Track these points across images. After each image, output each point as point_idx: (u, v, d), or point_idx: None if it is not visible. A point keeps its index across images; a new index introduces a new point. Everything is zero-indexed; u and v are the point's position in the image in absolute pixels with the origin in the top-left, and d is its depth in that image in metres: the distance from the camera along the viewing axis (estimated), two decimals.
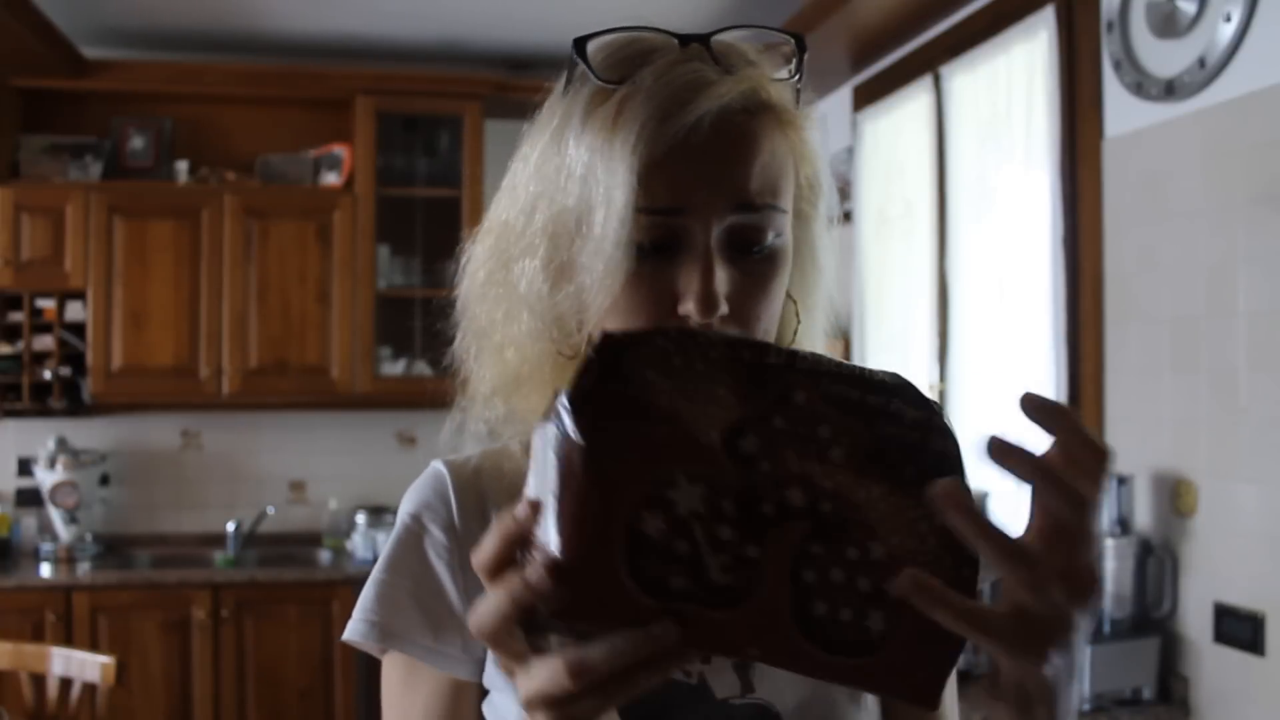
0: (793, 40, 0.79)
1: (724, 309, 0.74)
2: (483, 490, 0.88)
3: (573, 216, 0.76)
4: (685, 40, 0.76)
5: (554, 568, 0.55)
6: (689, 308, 0.74)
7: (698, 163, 0.73)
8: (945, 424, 0.59)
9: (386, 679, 0.87)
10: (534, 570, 0.55)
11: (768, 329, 0.78)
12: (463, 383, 0.87)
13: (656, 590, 0.55)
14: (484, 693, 0.85)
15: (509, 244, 0.82)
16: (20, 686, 2.84)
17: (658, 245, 0.74)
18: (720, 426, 0.57)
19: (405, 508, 0.89)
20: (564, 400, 0.56)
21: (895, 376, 0.60)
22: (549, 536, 0.55)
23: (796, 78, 0.79)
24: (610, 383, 0.57)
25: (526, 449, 0.78)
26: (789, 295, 0.83)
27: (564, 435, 0.56)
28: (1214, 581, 2.34)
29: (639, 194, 0.72)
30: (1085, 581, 0.57)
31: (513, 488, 0.86)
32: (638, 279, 0.75)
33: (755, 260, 0.76)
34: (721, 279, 0.74)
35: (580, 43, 0.76)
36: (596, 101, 0.75)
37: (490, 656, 0.83)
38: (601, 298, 0.75)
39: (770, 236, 0.76)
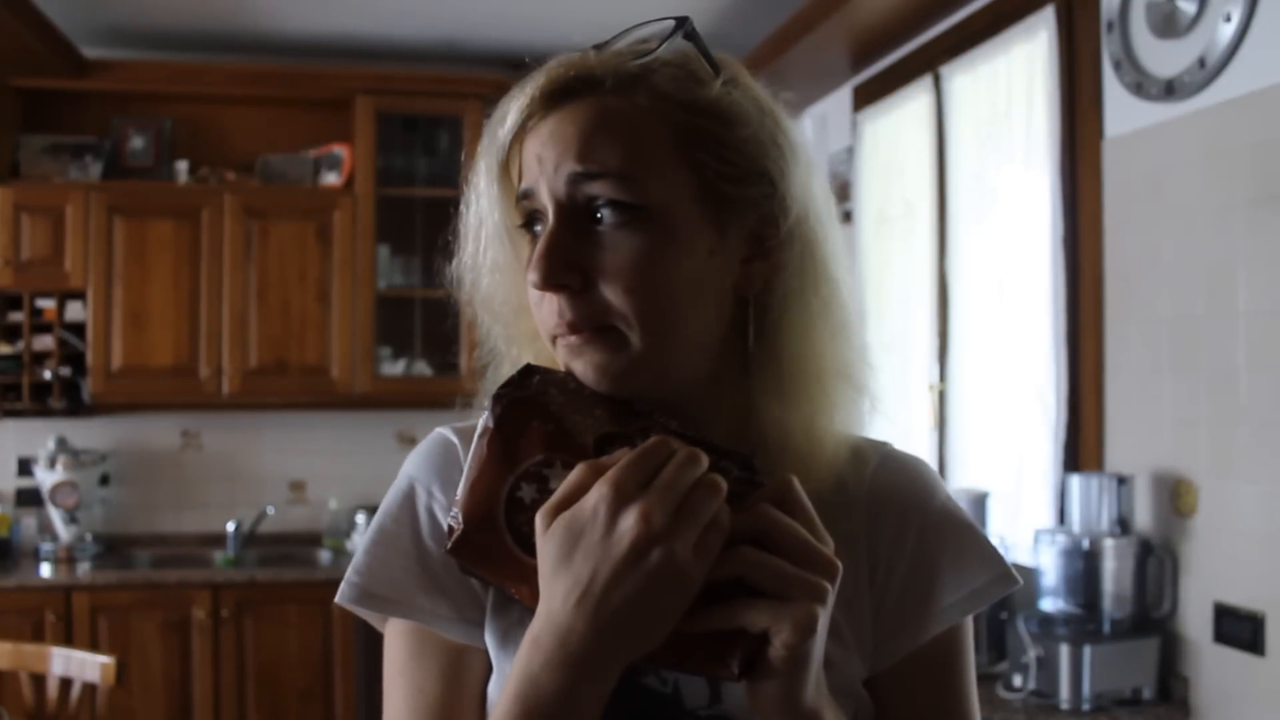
0: (672, 20, 0.81)
1: (568, 279, 0.77)
2: None
3: (475, 217, 0.86)
4: (596, 49, 0.82)
5: (456, 518, 0.75)
6: (531, 278, 0.78)
7: (533, 143, 0.80)
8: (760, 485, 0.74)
9: (392, 647, 0.86)
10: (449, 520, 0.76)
11: (650, 308, 0.77)
12: (483, 368, 0.91)
13: (526, 543, 0.73)
14: (489, 662, 0.84)
15: (465, 254, 0.90)
16: (20, 686, 2.84)
17: (535, 230, 0.81)
18: (594, 434, 0.76)
19: (411, 472, 0.89)
20: (489, 399, 0.78)
21: (740, 447, 0.76)
22: (459, 492, 0.76)
23: (651, 56, 0.80)
24: (522, 391, 0.78)
25: None
26: (759, 289, 0.82)
27: (484, 423, 0.77)
28: (1214, 581, 2.34)
29: (498, 183, 0.82)
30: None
31: None
32: (523, 264, 0.82)
33: (613, 234, 0.77)
34: (567, 249, 0.77)
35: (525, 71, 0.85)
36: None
37: (490, 630, 0.83)
38: (504, 284, 0.85)
39: (620, 207, 0.77)
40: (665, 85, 0.79)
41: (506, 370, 0.87)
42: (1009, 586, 0.88)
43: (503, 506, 0.74)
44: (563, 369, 0.81)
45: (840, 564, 0.71)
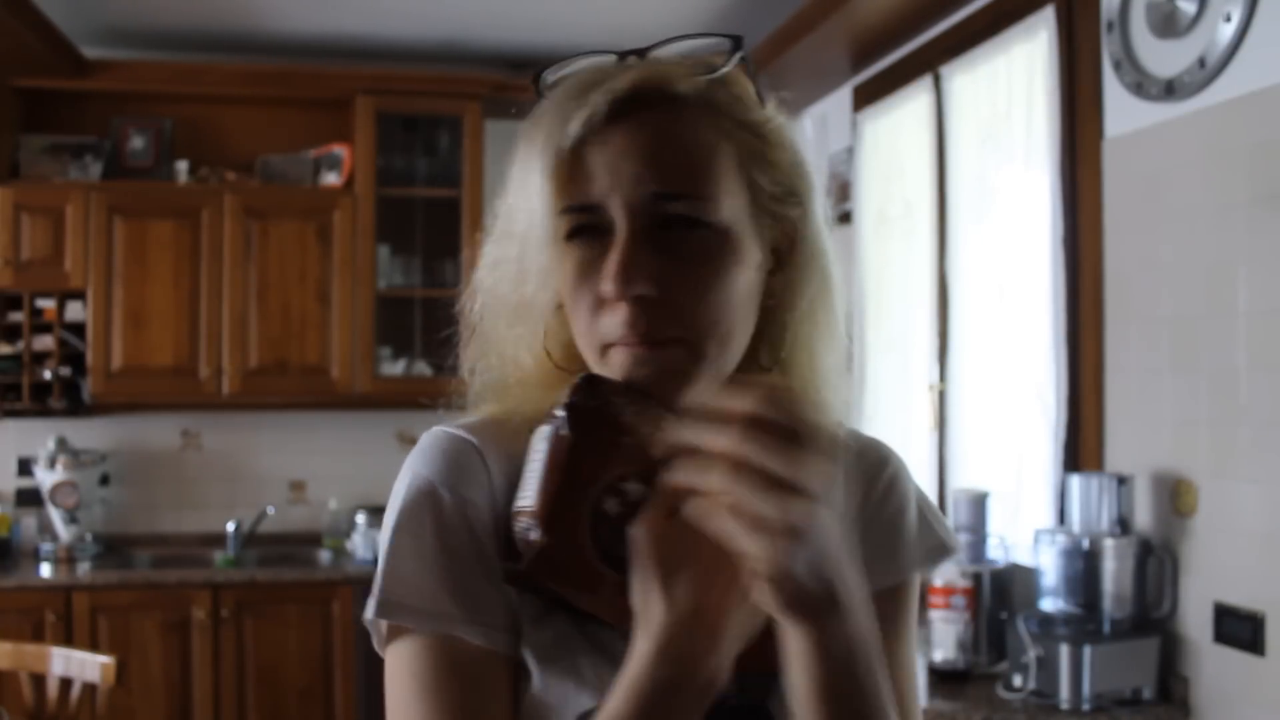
0: (728, 40, 0.82)
1: (647, 289, 0.77)
2: (511, 458, 0.85)
3: (510, 221, 0.83)
4: (624, 56, 0.81)
5: (534, 528, 0.75)
6: (606, 288, 0.77)
7: (603, 154, 0.78)
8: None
9: (414, 663, 0.80)
10: (519, 530, 0.76)
11: (715, 319, 0.79)
12: (459, 380, 0.90)
13: (609, 557, 0.74)
14: (521, 671, 0.82)
15: (482, 257, 0.88)
16: (20, 686, 2.84)
17: (589, 238, 0.79)
18: (660, 451, 0.72)
19: (428, 474, 0.84)
20: (559, 408, 0.77)
21: None
22: (532, 503, 0.76)
23: (722, 70, 0.81)
24: (591, 401, 0.77)
25: (527, 424, 0.84)
26: (781, 303, 0.85)
27: (557, 432, 0.76)
28: (1214, 581, 2.34)
29: (555, 194, 0.78)
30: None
31: (516, 462, 0.85)
32: (577, 272, 0.80)
33: (685, 243, 0.78)
34: (643, 259, 0.77)
35: (538, 75, 0.83)
36: (529, 121, 0.82)
37: (534, 642, 0.81)
38: (539, 290, 0.81)
39: (696, 223, 0.78)
40: (728, 104, 0.82)
41: (511, 374, 0.87)
42: (947, 554, 0.95)
43: (586, 520, 0.75)
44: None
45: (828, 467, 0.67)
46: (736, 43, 0.82)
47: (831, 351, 0.88)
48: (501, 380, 0.88)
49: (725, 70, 0.82)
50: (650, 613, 0.70)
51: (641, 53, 0.81)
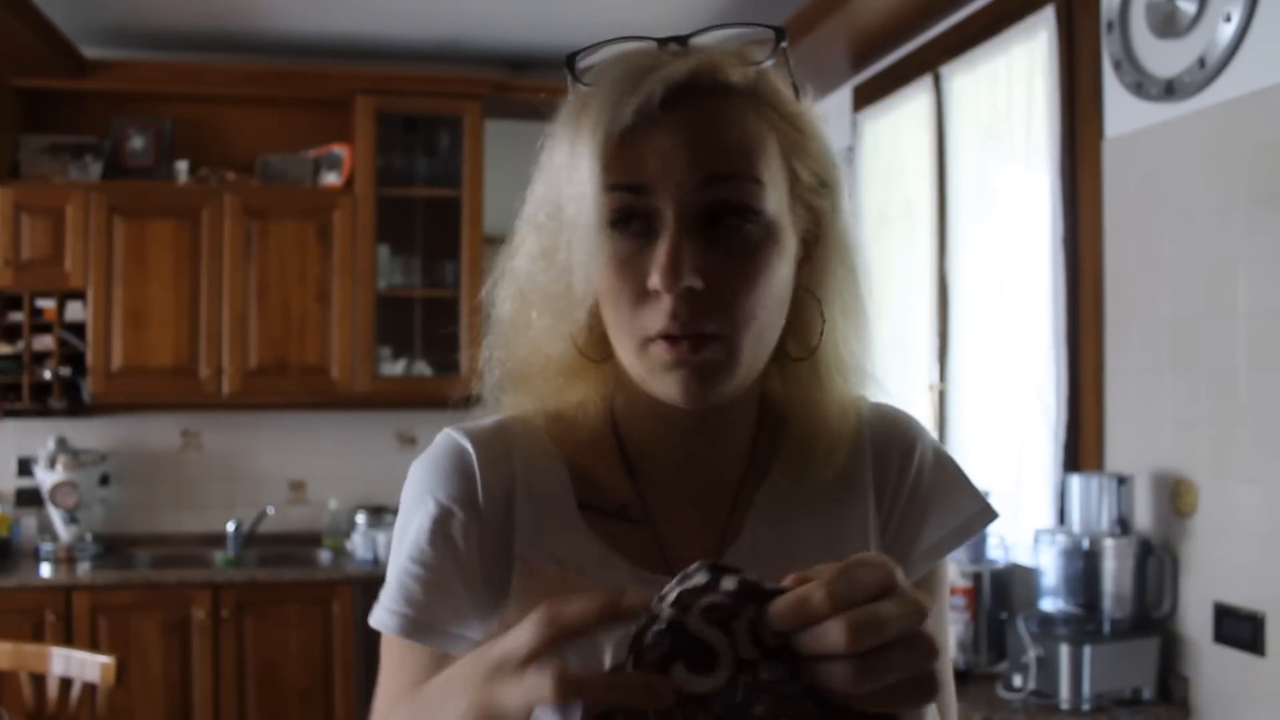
0: (772, 32, 0.82)
1: (694, 282, 0.76)
2: (512, 470, 0.87)
3: (555, 208, 0.81)
4: (664, 42, 0.81)
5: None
6: (655, 280, 0.76)
7: (656, 139, 0.77)
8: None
9: (421, 675, 0.83)
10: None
11: (755, 312, 0.79)
12: (478, 371, 0.89)
13: None
14: None
15: (516, 245, 0.86)
16: (20, 686, 2.83)
17: (634, 228, 0.78)
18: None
19: (429, 486, 0.86)
20: (665, 610, 0.65)
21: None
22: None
23: (768, 62, 0.82)
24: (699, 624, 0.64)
25: (550, 423, 0.85)
26: (811, 292, 0.85)
27: (658, 630, 0.64)
28: (1214, 581, 2.34)
29: (604, 174, 0.76)
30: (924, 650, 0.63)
31: (536, 474, 0.87)
32: (619, 263, 0.79)
33: (732, 238, 0.78)
34: (690, 251, 0.76)
35: (571, 57, 0.82)
36: (573, 105, 0.81)
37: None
38: (586, 283, 0.79)
39: (746, 212, 0.78)
40: (773, 95, 0.82)
41: (534, 363, 0.86)
42: (990, 519, 0.94)
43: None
44: (644, 376, 0.81)
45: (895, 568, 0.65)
46: (780, 34, 0.82)
47: (859, 341, 0.88)
48: (523, 370, 0.87)
49: (769, 60, 0.82)
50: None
51: (683, 40, 0.81)
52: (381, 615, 0.85)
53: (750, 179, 0.78)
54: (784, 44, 0.82)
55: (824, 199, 0.85)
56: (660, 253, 0.76)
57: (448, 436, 0.89)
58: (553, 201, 0.81)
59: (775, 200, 0.80)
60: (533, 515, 0.86)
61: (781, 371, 0.88)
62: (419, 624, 0.84)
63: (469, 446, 0.87)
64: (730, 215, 0.78)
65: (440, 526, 0.85)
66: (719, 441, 0.88)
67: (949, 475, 0.94)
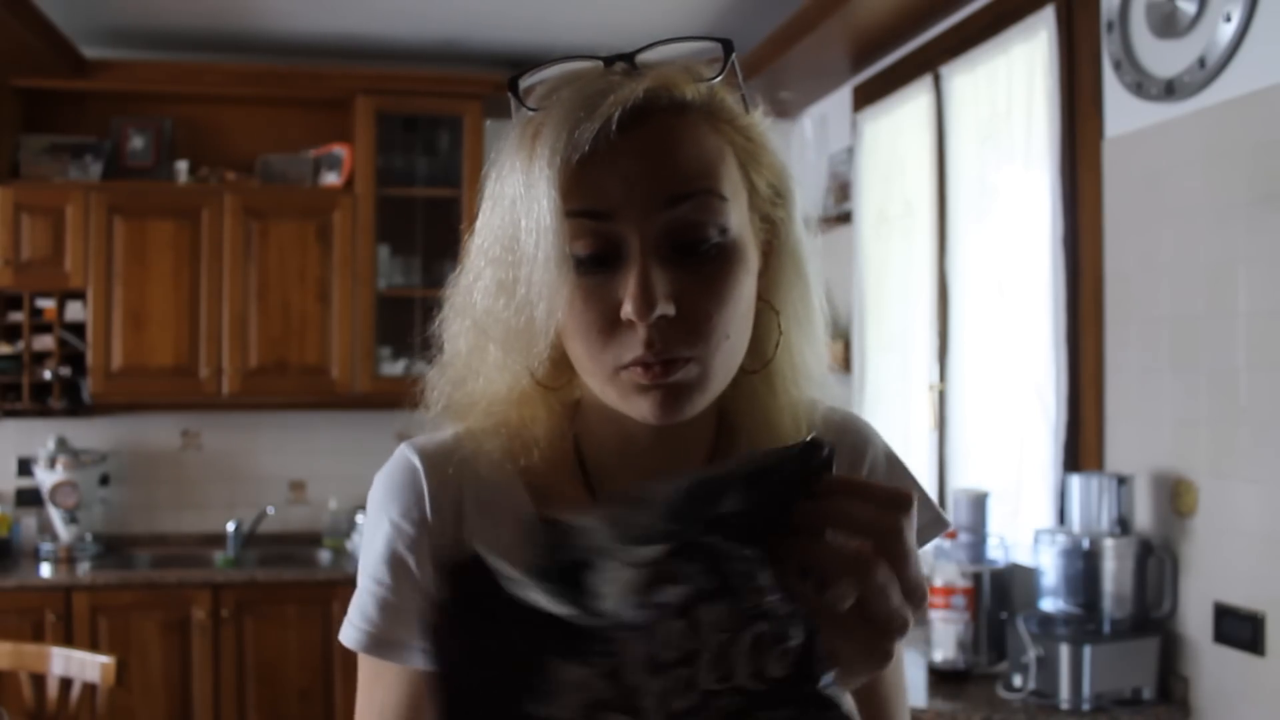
0: (719, 44, 0.81)
1: (668, 309, 0.75)
2: (460, 485, 0.88)
3: (512, 240, 0.79)
4: (610, 61, 0.79)
5: None
6: (627, 310, 0.75)
7: (616, 164, 0.75)
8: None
9: (390, 694, 0.89)
10: None
11: (727, 331, 0.79)
12: (422, 395, 0.91)
13: None
14: None
15: (471, 278, 0.85)
16: (20, 686, 2.83)
17: (598, 258, 0.77)
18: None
19: (382, 503, 0.89)
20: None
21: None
22: None
23: (718, 78, 0.81)
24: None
25: (509, 441, 0.85)
26: (769, 304, 0.85)
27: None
28: (1214, 581, 2.34)
29: (564, 202, 0.75)
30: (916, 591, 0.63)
31: (488, 488, 0.87)
32: (585, 294, 0.77)
33: (700, 258, 0.78)
34: (660, 278, 0.75)
35: (514, 80, 0.80)
36: (523, 130, 0.79)
37: None
38: (549, 316, 0.77)
39: (712, 230, 0.77)
40: (726, 108, 0.81)
41: (482, 394, 0.86)
42: (941, 529, 0.93)
43: None
44: (616, 401, 0.80)
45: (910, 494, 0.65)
46: (728, 47, 0.81)
47: (813, 351, 0.88)
48: (471, 400, 0.88)
49: (722, 76, 0.81)
50: None
51: (628, 57, 0.80)
52: (348, 630, 0.88)
53: (714, 195, 0.77)
54: (733, 57, 0.81)
55: (779, 209, 0.84)
56: (631, 282, 0.75)
57: (400, 452, 0.91)
58: (509, 234, 0.79)
59: (737, 215, 0.79)
60: (487, 527, 0.87)
61: (735, 382, 0.85)
62: (380, 640, 0.87)
63: (418, 463, 0.89)
64: (693, 233, 0.77)
65: (393, 545, 0.87)
66: (678, 455, 0.87)
67: (901, 481, 0.93)
